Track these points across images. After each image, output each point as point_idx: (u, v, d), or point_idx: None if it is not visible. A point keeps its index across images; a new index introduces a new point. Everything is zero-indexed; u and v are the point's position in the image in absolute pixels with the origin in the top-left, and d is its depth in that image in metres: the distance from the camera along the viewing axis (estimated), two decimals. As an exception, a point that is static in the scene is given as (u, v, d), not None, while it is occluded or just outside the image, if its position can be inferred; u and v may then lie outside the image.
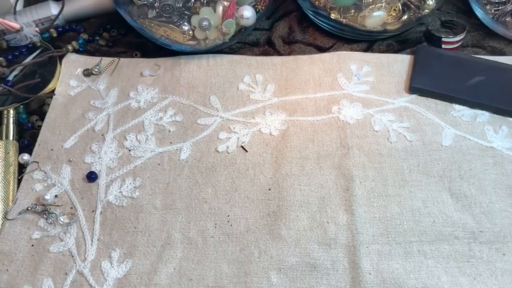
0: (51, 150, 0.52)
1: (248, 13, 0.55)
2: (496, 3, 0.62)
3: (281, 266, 0.44)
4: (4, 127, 0.54)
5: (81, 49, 0.62)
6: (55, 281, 0.44)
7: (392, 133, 0.52)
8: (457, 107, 0.55)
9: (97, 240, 0.46)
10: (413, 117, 0.54)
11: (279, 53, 0.61)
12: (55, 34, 0.63)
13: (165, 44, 0.59)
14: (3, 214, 0.48)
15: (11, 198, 0.49)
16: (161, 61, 0.60)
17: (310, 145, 0.52)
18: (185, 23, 0.57)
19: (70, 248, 0.46)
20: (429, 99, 0.55)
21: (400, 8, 0.58)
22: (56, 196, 0.49)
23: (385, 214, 0.47)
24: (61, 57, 0.60)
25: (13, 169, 0.51)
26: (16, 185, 0.50)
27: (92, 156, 0.52)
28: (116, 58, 0.60)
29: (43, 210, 0.48)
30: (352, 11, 0.59)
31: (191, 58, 0.60)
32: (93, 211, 0.48)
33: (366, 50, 0.61)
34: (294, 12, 0.65)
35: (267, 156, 0.51)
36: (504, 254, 0.45)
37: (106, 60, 0.60)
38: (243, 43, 0.63)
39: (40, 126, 0.55)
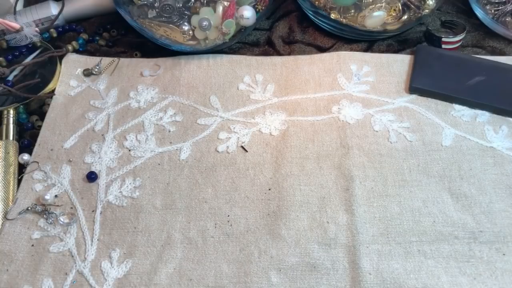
0: (51, 150, 0.52)
1: (248, 13, 0.55)
2: (496, 3, 0.62)
3: (281, 266, 0.44)
4: (4, 127, 0.54)
5: (81, 49, 0.62)
6: (55, 281, 0.44)
7: (392, 133, 0.52)
8: (457, 107, 0.55)
9: (97, 240, 0.46)
10: (413, 117, 0.54)
11: (279, 53, 0.61)
12: (55, 34, 0.63)
13: (165, 44, 0.59)
14: (3, 214, 0.48)
15: (11, 198, 0.49)
16: (161, 61, 0.60)
17: (310, 145, 0.52)
18: (185, 23, 0.57)
19: (70, 248, 0.46)
20: (429, 99, 0.55)
21: (400, 8, 0.58)
22: (56, 196, 0.49)
23: (385, 214, 0.47)
24: (61, 57, 0.60)
25: (13, 169, 0.51)
26: (16, 185, 0.50)
27: (92, 156, 0.52)
28: (116, 58, 0.60)
29: (43, 210, 0.48)
30: (352, 11, 0.59)
31: (191, 58, 0.60)
32: (93, 211, 0.48)
33: (366, 50, 0.61)
34: (294, 12, 0.65)
35: (267, 156, 0.51)
36: (504, 254, 0.45)
37: (106, 60, 0.60)
38: (243, 43, 0.63)
39: (40, 126, 0.55)
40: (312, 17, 0.63)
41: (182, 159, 0.51)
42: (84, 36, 0.63)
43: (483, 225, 0.46)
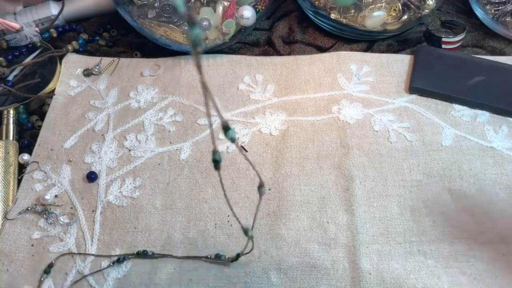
0: (51, 150, 0.52)
1: (248, 13, 0.55)
2: (496, 3, 0.62)
3: (281, 266, 0.44)
4: (4, 127, 0.54)
5: (81, 49, 0.62)
6: (55, 281, 0.43)
7: (392, 133, 0.52)
8: (457, 107, 0.55)
9: (97, 240, 0.46)
10: (413, 117, 0.54)
11: (279, 53, 0.61)
12: (55, 34, 0.63)
13: (165, 44, 0.58)
14: (3, 214, 0.48)
15: (11, 198, 0.49)
16: (161, 61, 0.60)
17: (310, 145, 0.52)
18: (185, 23, 0.57)
19: (70, 248, 0.45)
20: (429, 99, 0.55)
21: (400, 8, 0.58)
22: (56, 196, 0.49)
23: (385, 214, 0.47)
24: (61, 57, 0.60)
25: (13, 169, 0.51)
26: (16, 185, 0.50)
27: (92, 156, 0.52)
28: (116, 58, 0.60)
29: (43, 210, 0.48)
30: (352, 11, 0.59)
31: (191, 58, 0.59)
32: (93, 211, 0.48)
33: (366, 50, 0.61)
34: (294, 12, 0.65)
35: (267, 156, 0.51)
36: (504, 254, 0.44)
37: (106, 60, 0.60)
38: (243, 43, 0.63)
39: (40, 126, 0.55)
40: (312, 17, 0.62)
41: (182, 159, 0.51)
42: (84, 36, 0.63)
43: (483, 225, 0.46)
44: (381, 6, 0.57)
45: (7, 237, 0.46)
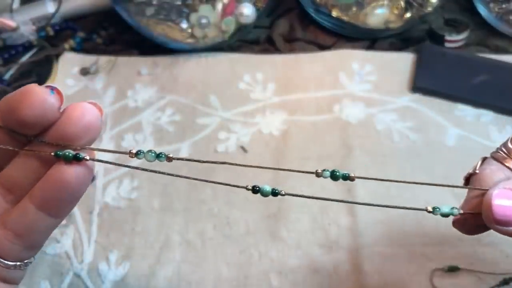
0: (48, 150, 0.52)
1: (248, 11, 0.55)
2: (500, 1, 0.62)
3: (282, 269, 0.43)
4: (0, 126, 0.53)
5: (78, 48, 0.62)
6: (52, 283, 0.43)
7: (395, 133, 0.52)
8: (461, 106, 0.54)
9: (94, 241, 0.45)
10: (416, 116, 0.53)
11: (280, 51, 0.61)
12: (51, 33, 0.62)
13: (163, 42, 0.58)
14: None
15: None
16: (159, 59, 0.59)
17: (311, 145, 0.51)
18: (184, 21, 0.57)
19: (67, 250, 0.45)
20: (433, 98, 0.54)
21: (403, 5, 0.58)
22: (52, 197, 0.48)
23: (387, 215, 0.46)
24: (57, 56, 0.59)
25: (9, 169, 0.50)
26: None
27: (89, 157, 0.51)
28: (113, 57, 0.60)
29: (39, 211, 0.47)
30: (354, 8, 0.59)
31: (190, 57, 0.59)
32: (90, 212, 0.47)
33: (368, 48, 0.61)
34: (295, 9, 0.65)
35: (267, 156, 0.51)
36: (507, 256, 0.44)
37: (103, 59, 0.59)
38: (243, 41, 0.62)
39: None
40: (313, 15, 0.62)
41: (181, 160, 0.51)
42: (81, 34, 0.62)
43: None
44: (384, 4, 0.57)
45: (2, 239, 0.45)
